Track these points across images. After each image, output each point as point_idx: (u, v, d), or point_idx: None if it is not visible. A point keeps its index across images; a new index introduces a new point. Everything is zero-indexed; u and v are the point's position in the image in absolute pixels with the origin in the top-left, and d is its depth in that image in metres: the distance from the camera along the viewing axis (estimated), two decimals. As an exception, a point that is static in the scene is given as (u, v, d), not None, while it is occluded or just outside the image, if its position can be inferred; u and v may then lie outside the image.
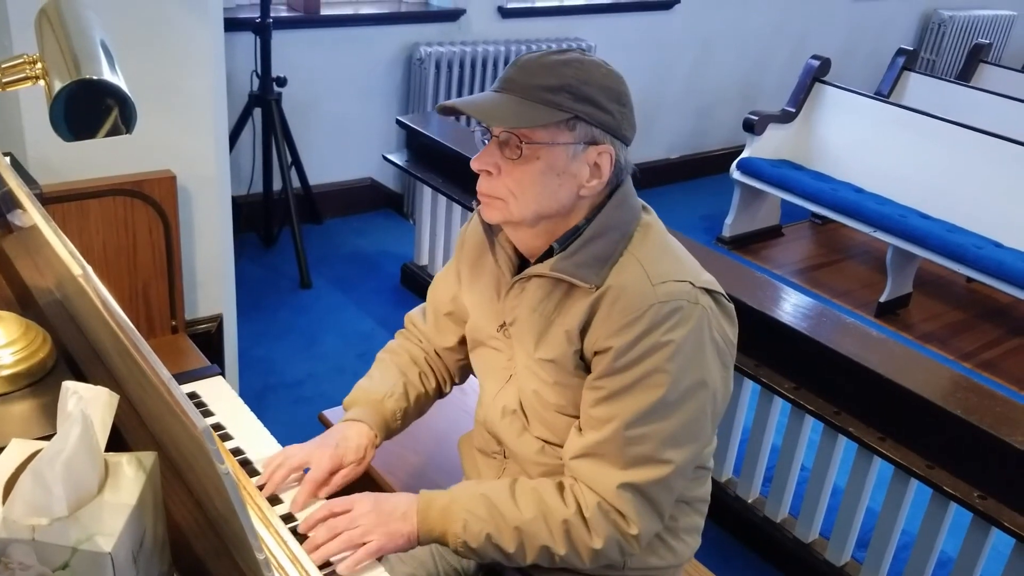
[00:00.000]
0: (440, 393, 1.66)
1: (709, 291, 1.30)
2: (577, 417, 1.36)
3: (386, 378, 1.58)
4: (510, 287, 1.38)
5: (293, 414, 2.97)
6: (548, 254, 1.34)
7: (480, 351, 1.51)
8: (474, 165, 1.29)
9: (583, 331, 1.30)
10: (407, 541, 1.33)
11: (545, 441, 1.42)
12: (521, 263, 1.41)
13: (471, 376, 1.67)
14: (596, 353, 1.29)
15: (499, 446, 1.49)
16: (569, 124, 1.23)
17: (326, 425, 1.97)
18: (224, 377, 1.80)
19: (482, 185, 1.30)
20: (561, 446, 1.40)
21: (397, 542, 1.32)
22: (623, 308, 1.25)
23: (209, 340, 2.55)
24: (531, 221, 1.29)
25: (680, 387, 1.26)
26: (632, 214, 1.33)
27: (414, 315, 1.70)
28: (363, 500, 1.34)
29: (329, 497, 1.41)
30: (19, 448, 0.97)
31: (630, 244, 1.30)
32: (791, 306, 2.39)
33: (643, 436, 1.26)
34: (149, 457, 0.97)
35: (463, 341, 1.58)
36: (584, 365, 1.33)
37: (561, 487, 1.33)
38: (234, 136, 3.74)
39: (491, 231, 1.43)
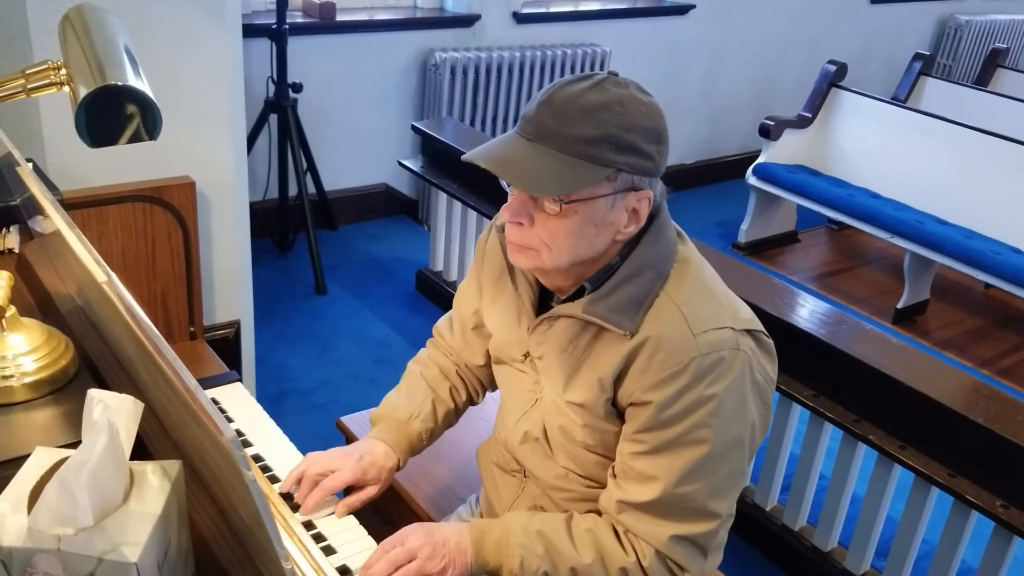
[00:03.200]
0: (471, 403, 1.64)
1: (749, 331, 1.25)
2: (606, 457, 1.33)
3: (414, 395, 1.56)
4: (537, 324, 1.33)
5: (308, 420, 2.97)
6: (578, 291, 1.29)
7: (504, 368, 1.47)
8: (506, 216, 1.22)
9: (617, 380, 1.25)
10: (464, 571, 1.31)
11: (569, 470, 1.39)
12: (542, 291, 1.36)
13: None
14: (632, 404, 1.24)
15: (519, 466, 1.47)
16: (610, 176, 1.17)
17: (343, 431, 1.97)
18: (242, 383, 1.80)
19: (513, 235, 1.23)
20: (586, 477, 1.37)
21: (459, 571, 1.30)
22: (663, 361, 1.20)
23: (226, 346, 2.55)
24: (564, 269, 1.24)
25: (724, 440, 1.22)
26: (668, 250, 1.27)
27: (441, 326, 1.65)
28: (416, 531, 1.31)
29: (359, 516, 1.40)
30: (43, 456, 0.97)
31: (666, 285, 1.24)
32: (809, 312, 2.37)
33: (691, 493, 1.23)
34: (174, 466, 0.97)
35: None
36: (616, 412, 1.29)
37: (613, 527, 1.30)
38: (250, 142, 3.74)
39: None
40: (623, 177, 1.17)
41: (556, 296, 1.34)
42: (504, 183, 1.22)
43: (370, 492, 1.44)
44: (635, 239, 1.25)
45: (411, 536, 1.30)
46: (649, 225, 1.26)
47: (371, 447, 1.48)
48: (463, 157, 1.20)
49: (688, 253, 1.29)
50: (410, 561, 1.27)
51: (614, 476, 1.30)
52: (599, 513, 1.35)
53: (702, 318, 1.22)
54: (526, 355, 1.38)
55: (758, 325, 1.28)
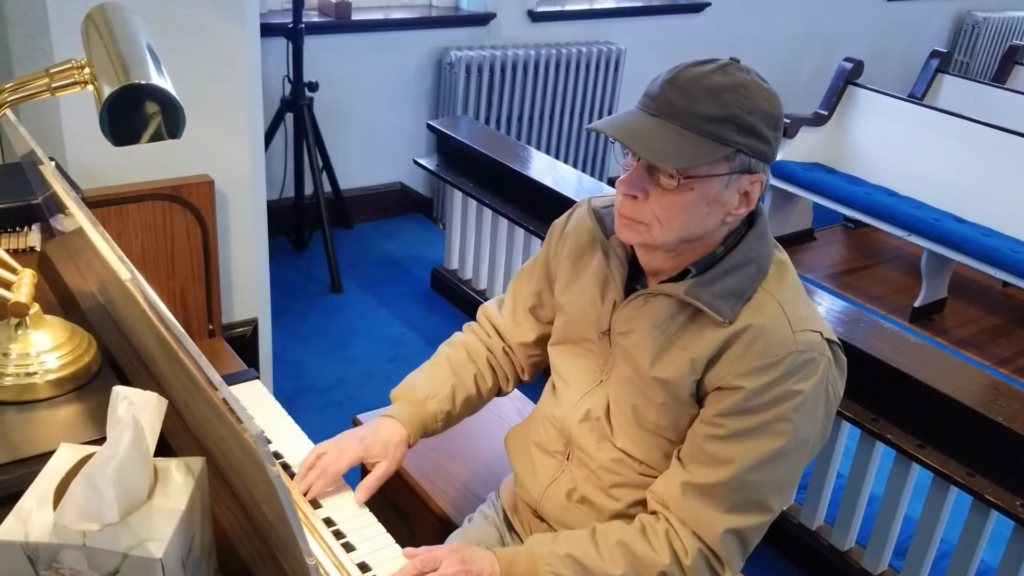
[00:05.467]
0: (499, 392, 1.63)
1: (830, 343, 1.28)
2: (671, 442, 1.33)
3: (435, 377, 1.56)
4: (632, 298, 1.33)
5: (324, 418, 2.98)
6: (679, 274, 1.30)
7: (567, 349, 1.47)
8: (621, 189, 1.24)
9: (710, 362, 1.26)
10: None
11: (626, 453, 1.38)
12: (631, 269, 1.37)
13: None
14: (719, 388, 1.25)
15: (565, 447, 1.46)
16: (728, 156, 1.19)
17: (360, 429, 1.98)
18: (260, 380, 1.81)
19: (625, 208, 1.24)
20: (642, 462, 1.37)
21: None
22: (761, 350, 1.22)
23: (244, 344, 2.56)
24: (671, 246, 1.26)
25: (797, 438, 1.24)
26: (768, 249, 1.30)
27: (489, 308, 1.65)
28: (452, 556, 1.30)
29: (369, 504, 1.40)
30: (68, 453, 0.98)
31: (765, 281, 1.27)
32: (825, 310, 2.36)
33: (757, 483, 1.25)
34: (197, 462, 0.97)
35: (541, 339, 1.55)
36: (697, 395, 1.29)
37: (644, 531, 1.30)
38: (266, 141, 3.75)
39: (604, 233, 1.38)
40: (741, 158, 1.20)
41: (644, 278, 1.35)
42: (620, 157, 1.25)
43: (380, 470, 1.45)
44: (741, 234, 1.29)
45: (445, 561, 1.29)
46: (753, 224, 1.30)
47: (378, 425, 1.49)
48: (588, 126, 1.25)
49: (783, 257, 1.33)
50: None
51: (679, 459, 1.30)
52: (633, 510, 1.35)
53: (800, 317, 1.25)
54: (604, 333, 1.38)
55: (836, 339, 1.30)
